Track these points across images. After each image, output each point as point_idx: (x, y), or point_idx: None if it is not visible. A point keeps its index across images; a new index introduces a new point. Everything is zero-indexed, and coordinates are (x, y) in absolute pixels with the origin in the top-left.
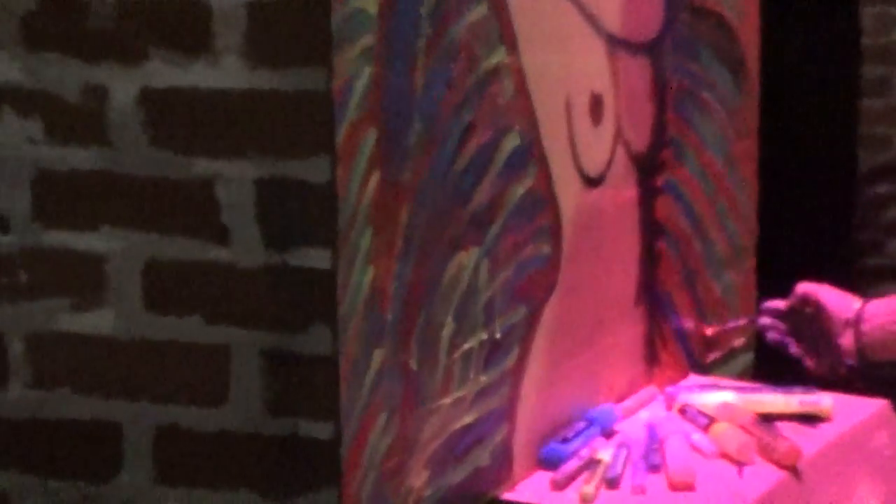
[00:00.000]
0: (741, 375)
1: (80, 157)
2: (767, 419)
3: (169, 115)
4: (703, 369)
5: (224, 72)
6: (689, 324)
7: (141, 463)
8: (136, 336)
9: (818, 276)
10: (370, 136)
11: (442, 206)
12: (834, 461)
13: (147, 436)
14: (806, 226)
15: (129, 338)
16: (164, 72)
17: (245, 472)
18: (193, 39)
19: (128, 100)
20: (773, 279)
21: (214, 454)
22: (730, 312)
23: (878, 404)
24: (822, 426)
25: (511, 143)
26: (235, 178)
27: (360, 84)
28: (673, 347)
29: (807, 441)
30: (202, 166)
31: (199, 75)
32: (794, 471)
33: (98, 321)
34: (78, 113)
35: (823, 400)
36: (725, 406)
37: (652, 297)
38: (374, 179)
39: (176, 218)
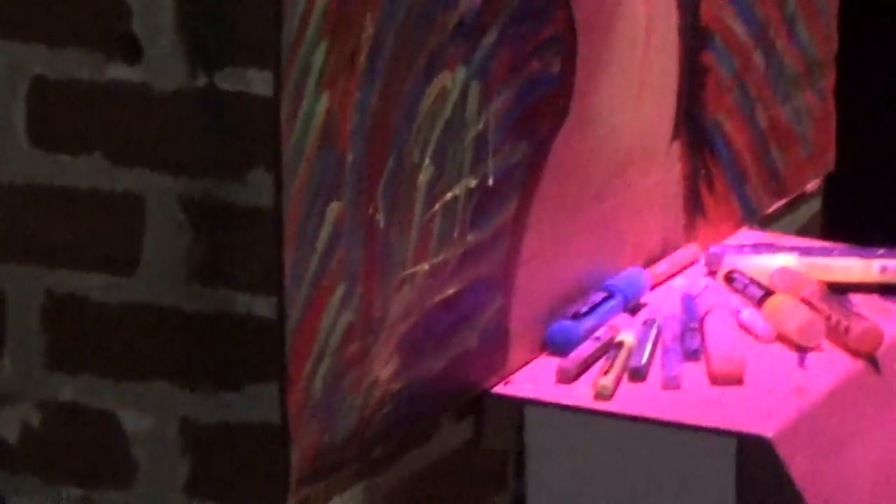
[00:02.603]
0: (806, 230)
1: None
2: (839, 290)
3: None
4: (763, 223)
5: None
6: (745, 161)
7: (28, 343)
8: (19, 181)
9: None
10: None
11: (418, 11)
12: None
13: (35, 308)
14: None
15: (10, 182)
16: None
17: (161, 357)
18: None
19: None
20: (858, 102)
21: (122, 334)
22: (802, 145)
23: None
24: None
25: None
26: None
27: None
28: (722, 193)
29: (890, 321)
30: None
31: None
32: (872, 359)
33: None
34: None
35: None
36: (785, 272)
37: (695, 128)
38: None
39: (72, 25)
